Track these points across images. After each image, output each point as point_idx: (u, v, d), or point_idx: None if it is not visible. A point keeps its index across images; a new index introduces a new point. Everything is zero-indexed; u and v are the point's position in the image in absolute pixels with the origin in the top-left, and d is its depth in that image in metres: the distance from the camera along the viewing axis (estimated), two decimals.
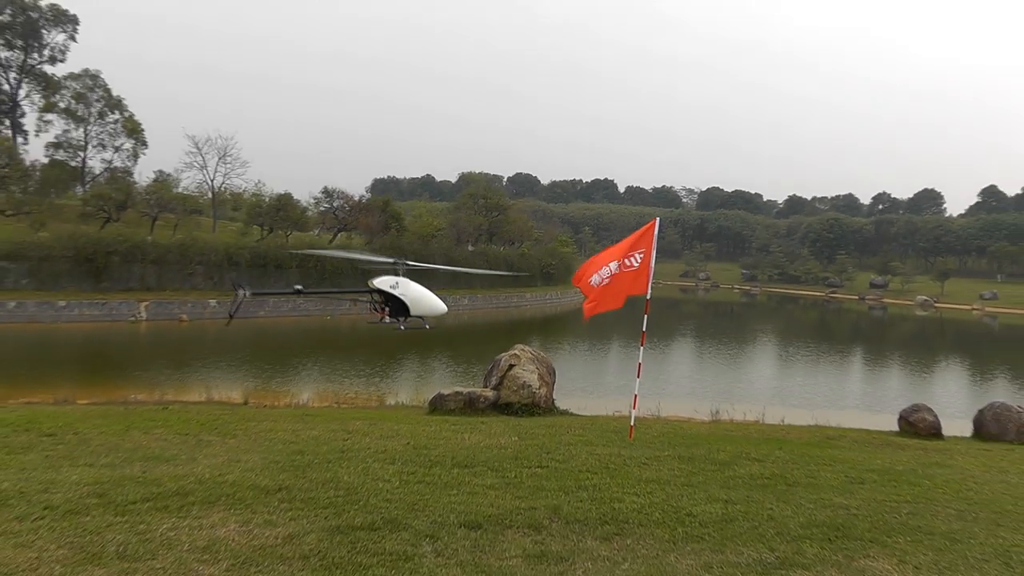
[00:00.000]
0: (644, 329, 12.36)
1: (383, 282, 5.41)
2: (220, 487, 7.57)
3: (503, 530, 6.52)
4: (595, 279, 12.09)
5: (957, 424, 16.97)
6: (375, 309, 5.67)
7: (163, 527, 6.36)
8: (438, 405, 16.63)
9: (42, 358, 35.36)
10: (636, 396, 12.78)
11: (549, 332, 59.67)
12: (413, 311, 5.49)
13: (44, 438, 10.52)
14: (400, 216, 75.36)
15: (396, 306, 5.53)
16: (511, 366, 16.77)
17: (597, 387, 29.91)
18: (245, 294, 5.25)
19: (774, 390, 31.74)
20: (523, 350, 17.36)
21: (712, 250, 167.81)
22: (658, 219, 12.44)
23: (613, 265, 12.10)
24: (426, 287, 5.55)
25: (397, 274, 5.43)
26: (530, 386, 16.47)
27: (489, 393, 16.57)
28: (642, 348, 12.68)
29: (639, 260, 12.07)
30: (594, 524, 6.77)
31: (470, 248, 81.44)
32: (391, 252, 63.44)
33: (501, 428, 12.94)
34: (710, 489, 8.29)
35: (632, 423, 12.70)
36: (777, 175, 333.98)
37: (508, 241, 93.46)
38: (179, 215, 63.00)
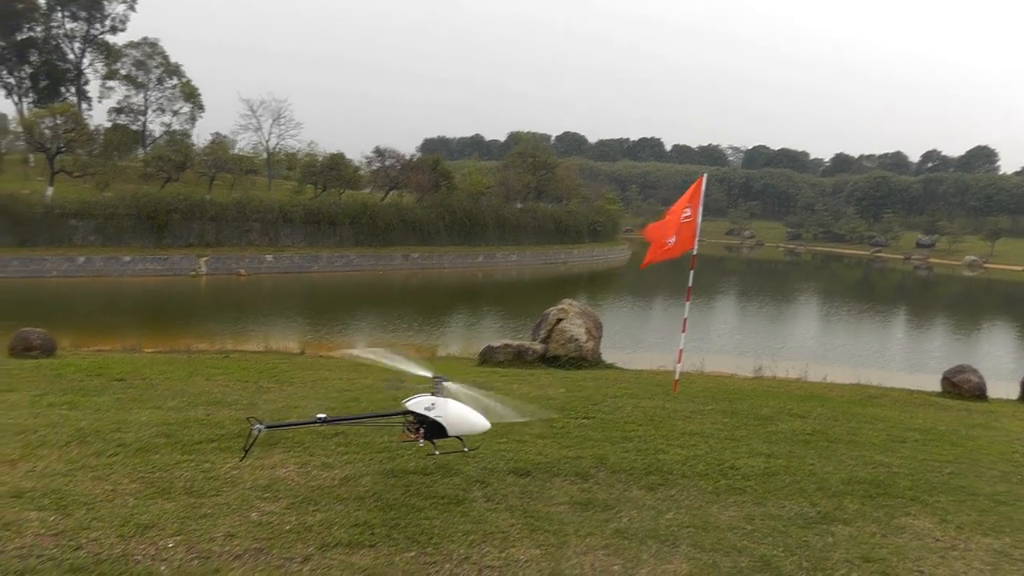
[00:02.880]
0: (690, 285, 12.30)
1: (418, 404, 5.40)
2: (280, 431, 7.77)
3: (551, 478, 6.63)
4: (671, 241, 11.91)
5: (1003, 386, 16.58)
6: (409, 431, 5.71)
7: (226, 466, 6.59)
8: (488, 357, 16.76)
9: (110, 309, 36.20)
10: (681, 351, 12.76)
11: (596, 288, 59.51)
12: (451, 432, 5.51)
13: (115, 382, 10.85)
14: (450, 174, 75.08)
15: (432, 428, 5.56)
16: (559, 320, 16.80)
17: (642, 342, 29.84)
18: (260, 429, 5.36)
19: (817, 348, 31.35)
20: (571, 304, 17.36)
21: (757, 208, 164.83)
22: (705, 175, 12.29)
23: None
24: (466, 398, 5.50)
25: (438, 391, 5.44)
26: (577, 340, 16.51)
27: (537, 346, 16.65)
28: (688, 304, 12.63)
29: (688, 216, 11.93)
30: (639, 474, 6.84)
31: (518, 206, 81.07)
32: (441, 210, 64.34)
33: (549, 380, 13.03)
34: (752, 443, 8.30)
35: (677, 377, 12.69)
36: (824, 134, 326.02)
37: (556, 199, 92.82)
38: (235, 175, 63.58)
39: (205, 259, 50.28)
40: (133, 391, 10.24)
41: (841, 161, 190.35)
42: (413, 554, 4.99)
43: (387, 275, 57.07)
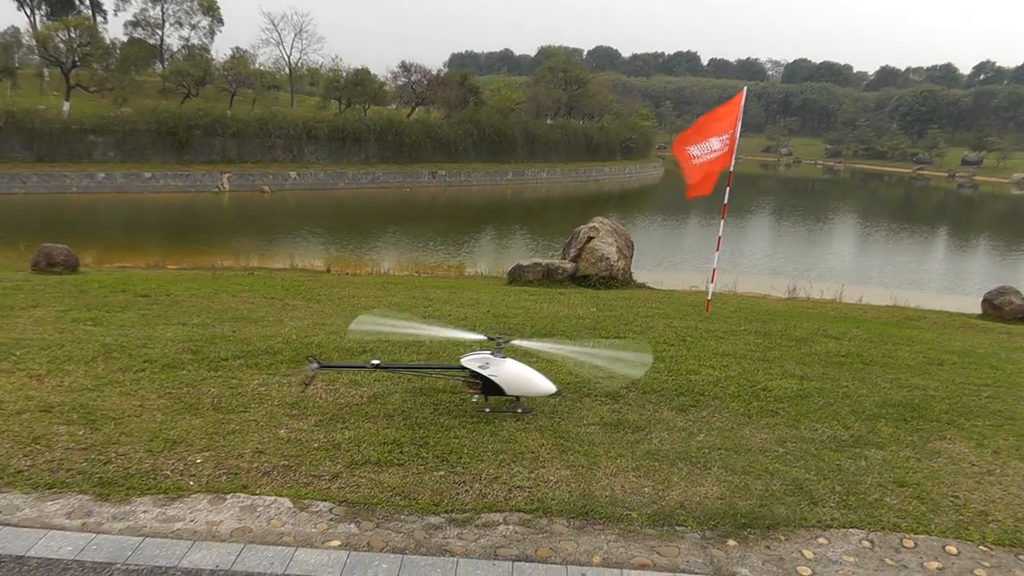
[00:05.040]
0: (726, 202, 12.10)
1: (473, 360, 5.32)
2: (307, 348, 7.82)
3: (581, 398, 6.62)
4: (695, 151, 11.60)
5: None
6: (468, 386, 5.66)
7: (254, 383, 6.65)
8: (517, 276, 16.75)
9: (132, 225, 36.47)
10: (714, 270, 12.62)
11: (627, 206, 59.01)
12: (508, 391, 5.42)
13: (139, 298, 10.96)
14: (478, 90, 73.98)
15: (489, 386, 5.49)
16: (590, 238, 16.69)
17: (675, 261, 29.66)
18: (315, 368, 5.35)
19: (853, 269, 30.99)
20: (602, 223, 17.22)
21: (796, 124, 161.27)
22: (745, 89, 11.93)
23: (715, 142, 11.58)
24: (526, 361, 5.39)
25: (497, 350, 5.32)
26: (608, 259, 16.42)
27: (567, 265, 16.59)
28: (723, 221, 12.44)
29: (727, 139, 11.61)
30: (670, 395, 6.82)
31: (549, 122, 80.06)
32: (469, 126, 63.65)
33: (579, 299, 13.00)
34: (786, 365, 8.23)
35: (709, 297, 12.59)
36: (870, 46, 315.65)
37: (587, 115, 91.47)
38: (257, 90, 63.06)
39: (228, 175, 50.30)
40: (158, 307, 10.34)
41: (886, 74, 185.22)
42: (442, 473, 5.02)
43: (414, 193, 56.91)
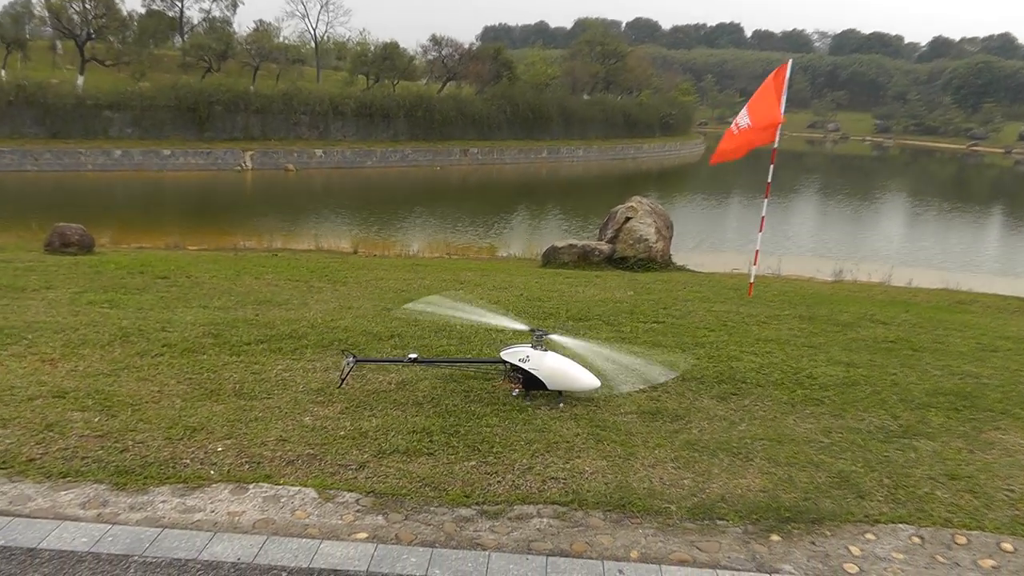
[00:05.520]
0: (769, 180, 11.91)
1: (512, 354, 5.27)
2: (333, 332, 7.82)
3: (618, 385, 6.55)
4: (741, 120, 11.45)
5: None
6: (509, 380, 5.61)
7: (278, 368, 6.65)
8: (551, 258, 16.69)
9: (151, 205, 36.73)
10: (757, 252, 12.47)
11: (667, 185, 58.63)
12: (550, 386, 5.38)
13: (158, 280, 11.03)
14: (512, 64, 73.69)
15: (530, 380, 5.46)
16: (627, 219, 16.57)
17: (716, 243, 29.39)
18: (351, 362, 5.36)
19: (902, 250, 30.55)
20: (640, 202, 17.08)
21: (843, 99, 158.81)
22: (791, 61, 11.70)
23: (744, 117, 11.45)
24: (569, 352, 5.33)
25: (538, 343, 5.26)
26: (647, 240, 16.29)
27: (604, 246, 16.49)
28: (766, 200, 12.26)
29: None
30: (711, 383, 6.73)
31: (585, 97, 79.63)
32: (502, 102, 63.38)
33: (616, 282, 12.91)
34: (831, 351, 8.10)
35: (751, 280, 12.45)
36: (923, 15, 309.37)
37: (625, 90, 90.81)
38: (281, 65, 63.07)
39: (251, 153, 50.35)
40: (177, 289, 10.39)
41: (939, 45, 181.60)
42: (473, 463, 4.98)
43: (445, 171, 56.93)
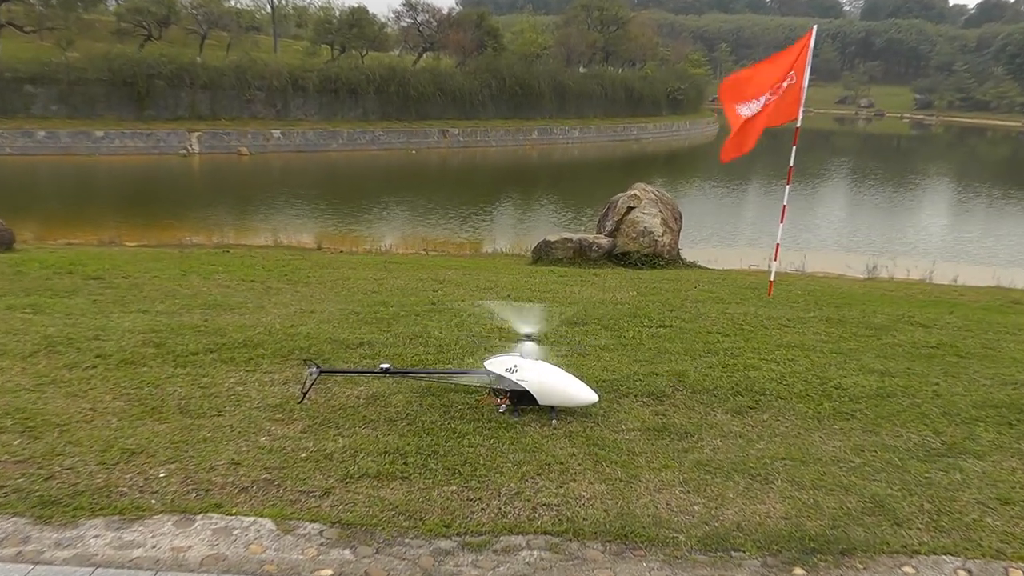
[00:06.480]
0: (792, 164, 11.98)
1: (498, 363, 5.26)
2: (293, 340, 7.83)
3: (619, 398, 6.58)
4: (744, 110, 11.47)
5: None
6: (493, 394, 5.59)
7: (230, 381, 6.67)
8: (543, 253, 16.73)
9: (81, 194, 36.37)
10: (778, 245, 12.52)
11: (675, 170, 58.76)
12: (541, 401, 5.38)
13: (90, 281, 11.02)
14: (498, 32, 73.68)
15: (518, 393, 5.46)
16: (630, 208, 16.62)
17: (730, 236, 29.48)
18: (314, 373, 5.33)
19: (945, 243, 30.68)
20: (644, 190, 17.14)
21: (878, 70, 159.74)
22: (815, 28, 11.76)
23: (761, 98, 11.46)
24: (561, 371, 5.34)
25: (526, 352, 5.28)
26: (652, 232, 16.34)
27: (603, 240, 16.53)
28: (788, 187, 12.33)
29: (793, 81, 11.46)
30: (725, 395, 6.76)
31: (581, 70, 79.78)
32: (487, 76, 63.30)
33: (617, 281, 12.96)
34: (863, 358, 8.15)
35: (772, 278, 12.53)
36: None
37: (628, 61, 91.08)
38: (232, 33, 62.67)
39: (198, 135, 50.06)
40: (113, 292, 10.39)
41: (990, 7, 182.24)
42: (454, 488, 5.00)
43: (421, 155, 56.91)
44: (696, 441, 5.84)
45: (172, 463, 5.16)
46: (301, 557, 4.28)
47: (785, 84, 11.28)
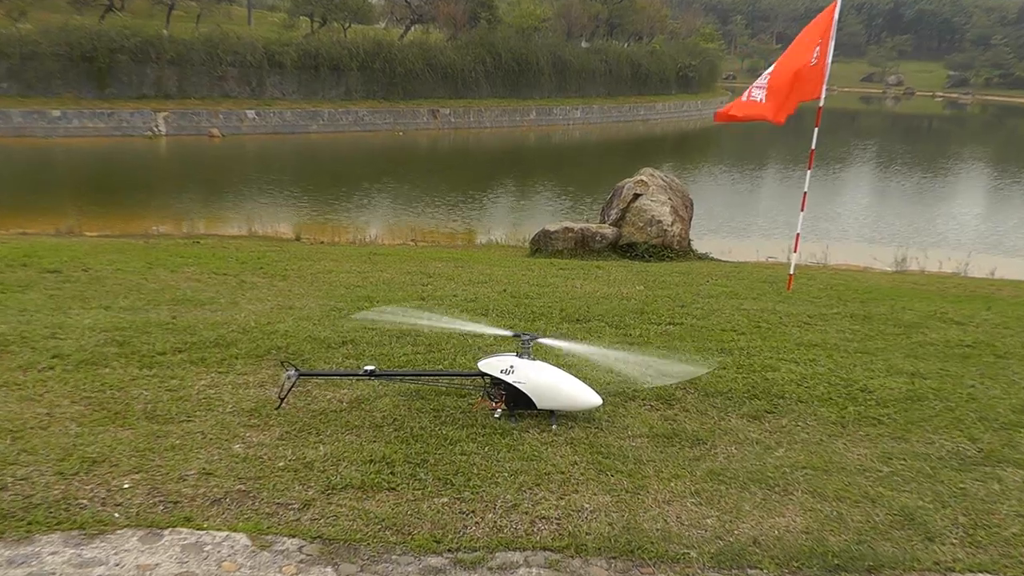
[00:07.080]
0: (813, 147, 11.98)
1: (493, 364, 5.27)
2: (270, 338, 7.84)
3: (625, 401, 6.59)
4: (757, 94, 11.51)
5: None
6: (488, 397, 5.58)
7: (200, 384, 6.67)
8: (542, 245, 16.74)
9: (37, 180, 36.12)
10: (798, 236, 12.54)
11: (685, 154, 58.78)
12: (540, 404, 5.38)
13: (46, 275, 10.98)
14: (492, 4, 73.61)
15: (516, 397, 5.46)
16: (636, 196, 16.64)
17: (746, 225, 29.51)
18: (293, 376, 5.32)
19: (981, 234, 30.71)
20: (652, 176, 17.16)
21: (908, 44, 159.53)
22: (839, 1, 11.75)
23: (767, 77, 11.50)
24: (559, 368, 5.33)
25: (524, 351, 5.24)
26: (660, 222, 16.35)
27: (607, 230, 16.55)
28: (809, 172, 12.33)
29: (815, 58, 11.47)
30: (740, 398, 6.77)
31: (584, 45, 79.69)
32: (480, 51, 63.26)
33: (623, 274, 12.96)
34: (892, 358, 8.16)
35: (792, 271, 12.52)
36: None
37: (634, 35, 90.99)
38: (202, 3, 62.54)
39: (164, 115, 49.82)
40: (72, 286, 10.36)
41: None
42: (445, 500, 5.01)
43: (409, 137, 56.88)
44: (709, 448, 5.84)
45: (137, 473, 5.15)
46: (279, 575, 4.28)
47: (813, 62, 11.29)
